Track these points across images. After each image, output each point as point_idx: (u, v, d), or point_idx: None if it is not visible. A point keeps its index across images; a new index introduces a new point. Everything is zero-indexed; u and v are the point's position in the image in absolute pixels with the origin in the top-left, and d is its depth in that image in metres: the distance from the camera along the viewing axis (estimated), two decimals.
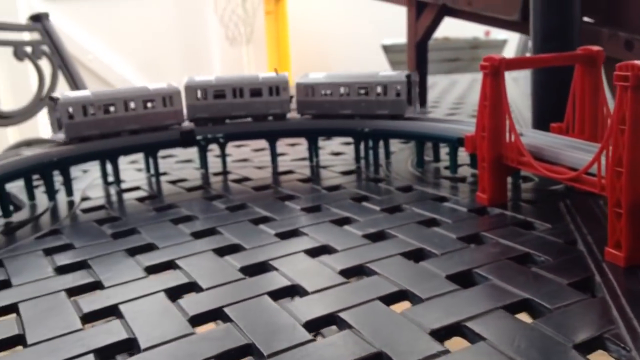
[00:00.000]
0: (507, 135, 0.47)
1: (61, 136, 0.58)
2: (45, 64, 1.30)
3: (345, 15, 3.15)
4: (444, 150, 0.64)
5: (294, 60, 3.11)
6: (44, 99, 1.27)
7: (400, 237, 0.43)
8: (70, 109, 0.57)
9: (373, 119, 0.64)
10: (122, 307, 0.35)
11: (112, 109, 0.59)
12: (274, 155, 0.69)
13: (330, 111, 0.65)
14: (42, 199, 0.59)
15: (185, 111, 0.64)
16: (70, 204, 0.58)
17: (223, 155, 0.68)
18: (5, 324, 0.34)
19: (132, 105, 0.60)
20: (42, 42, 1.31)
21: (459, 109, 0.99)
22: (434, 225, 0.46)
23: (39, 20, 1.32)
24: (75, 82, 1.33)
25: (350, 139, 0.78)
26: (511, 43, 2.58)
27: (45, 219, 0.54)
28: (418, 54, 0.98)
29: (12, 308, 0.36)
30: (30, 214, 0.56)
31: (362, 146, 0.67)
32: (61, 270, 0.41)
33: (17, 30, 1.37)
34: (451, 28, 1.54)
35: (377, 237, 0.44)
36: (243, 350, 0.30)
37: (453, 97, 1.13)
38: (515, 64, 0.51)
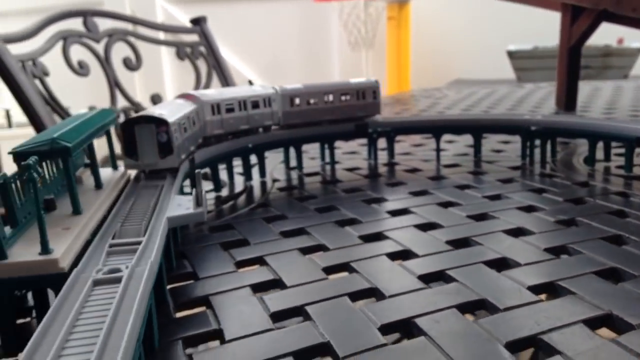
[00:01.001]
0: None
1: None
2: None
3: (469, 22, 3.14)
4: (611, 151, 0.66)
5: (414, 66, 3.14)
6: None
7: (594, 225, 0.46)
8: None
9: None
10: (353, 264, 0.41)
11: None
12: (439, 149, 0.73)
13: (314, 118, 0.68)
14: (238, 179, 0.67)
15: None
16: (263, 184, 0.66)
17: (391, 148, 0.73)
18: (261, 270, 0.41)
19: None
20: (200, 43, 1.43)
21: (612, 113, 0.99)
22: (624, 216, 0.48)
23: (197, 23, 1.45)
24: (226, 81, 1.44)
25: (507, 138, 0.82)
26: None
27: (248, 194, 0.62)
28: (570, 59, 0.98)
29: (260, 260, 0.43)
30: (230, 190, 0.64)
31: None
32: (285, 234, 0.48)
33: (179, 32, 1.51)
34: None
35: (570, 223, 0.47)
36: (478, 305, 0.34)
37: (602, 102, 1.12)
38: None
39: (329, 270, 0.40)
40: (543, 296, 0.35)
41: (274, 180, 0.67)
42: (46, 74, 1.05)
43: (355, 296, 0.36)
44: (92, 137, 0.40)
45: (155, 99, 1.30)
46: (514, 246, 0.42)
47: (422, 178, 0.65)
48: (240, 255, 0.43)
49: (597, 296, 0.34)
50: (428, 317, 0.33)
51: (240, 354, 0.30)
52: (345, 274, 0.40)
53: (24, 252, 0.30)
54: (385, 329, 0.32)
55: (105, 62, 1.20)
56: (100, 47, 1.20)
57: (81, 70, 1.13)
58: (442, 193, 0.57)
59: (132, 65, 1.27)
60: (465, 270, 0.38)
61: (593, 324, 0.31)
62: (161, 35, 1.84)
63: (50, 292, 0.33)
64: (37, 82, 1.02)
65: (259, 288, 0.38)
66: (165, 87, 3.30)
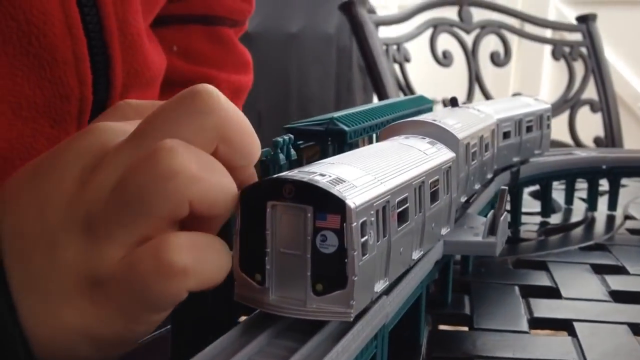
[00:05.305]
0: None
1: None
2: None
3: None
4: None
5: None
6: (569, 101, 1.23)
7: None
8: None
9: None
10: None
11: None
12: None
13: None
14: (578, 206, 0.54)
15: None
16: (611, 218, 0.51)
17: None
18: (560, 341, 0.29)
19: None
20: (582, 43, 1.26)
21: None
22: None
23: (584, 21, 1.28)
24: (604, 88, 1.25)
25: None
26: None
27: (582, 228, 0.48)
28: None
29: (567, 324, 0.31)
30: (563, 219, 0.51)
31: None
32: (616, 295, 0.35)
33: (561, 30, 1.37)
34: None
35: None
36: None
37: None
38: None
39: None
40: None
41: (627, 217, 0.51)
42: (407, 60, 1.05)
43: None
44: (378, 127, 0.33)
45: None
46: None
47: None
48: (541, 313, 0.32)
49: None
50: None
51: None
52: None
53: None
54: None
55: (470, 55, 1.15)
56: (469, 39, 1.15)
57: (444, 60, 1.10)
58: None
59: (499, 60, 1.18)
60: None
61: None
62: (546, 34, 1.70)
63: None
64: (397, 66, 1.02)
65: None
66: (541, 89, 3.11)
